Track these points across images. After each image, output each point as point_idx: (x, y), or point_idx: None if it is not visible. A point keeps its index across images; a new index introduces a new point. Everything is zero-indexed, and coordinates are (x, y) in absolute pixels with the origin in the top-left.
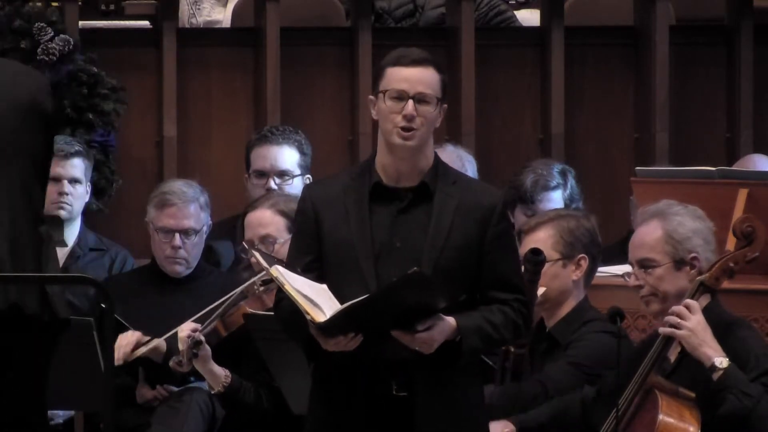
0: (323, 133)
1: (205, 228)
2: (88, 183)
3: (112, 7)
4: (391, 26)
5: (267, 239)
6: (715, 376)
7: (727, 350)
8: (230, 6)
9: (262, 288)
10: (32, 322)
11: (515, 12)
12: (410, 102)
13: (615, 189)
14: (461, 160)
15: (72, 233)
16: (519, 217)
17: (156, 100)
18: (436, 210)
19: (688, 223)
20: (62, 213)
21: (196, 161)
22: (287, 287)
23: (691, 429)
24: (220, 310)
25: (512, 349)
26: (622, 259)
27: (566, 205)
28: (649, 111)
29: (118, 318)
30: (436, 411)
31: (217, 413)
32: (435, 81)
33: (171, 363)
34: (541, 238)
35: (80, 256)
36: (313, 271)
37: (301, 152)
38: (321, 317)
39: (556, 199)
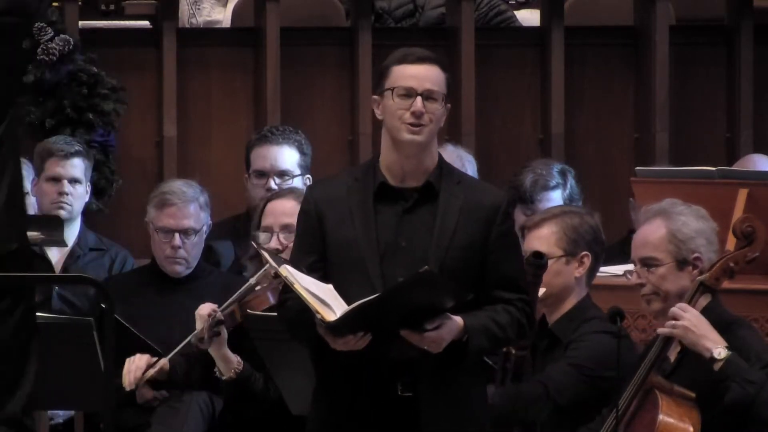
0: (323, 133)
1: (205, 228)
2: (88, 183)
3: (112, 7)
4: (391, 26)
5: (288, 228)
6: (716, 366)
7: (728, 349)
8: (230, 6)
9: (275, 280)
10: None
11: (515, 12)
12: (419, 99)
13: (615, 189)
14: (461, 160)
15: (72, 233)
16: (519, 217)
17: (156, 100)
18: (442, 210)
19: (692, 223)
20: (62, 213)
21: (196, 161)
22: (297, 286)
23: (691, 429)
24: (237, 294)
25: (513, 351)
26: (622, 259)
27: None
28: (649, 111)
29: (118, 318)
30: (442, 411)
31: (217, 413)
32: (441, 79)
33: (192, 339)
34: (545, 235)
35: (80, 256)
36: (317, 271)
37: (301, 152)
38: (331, 316)
39: (555, 199)
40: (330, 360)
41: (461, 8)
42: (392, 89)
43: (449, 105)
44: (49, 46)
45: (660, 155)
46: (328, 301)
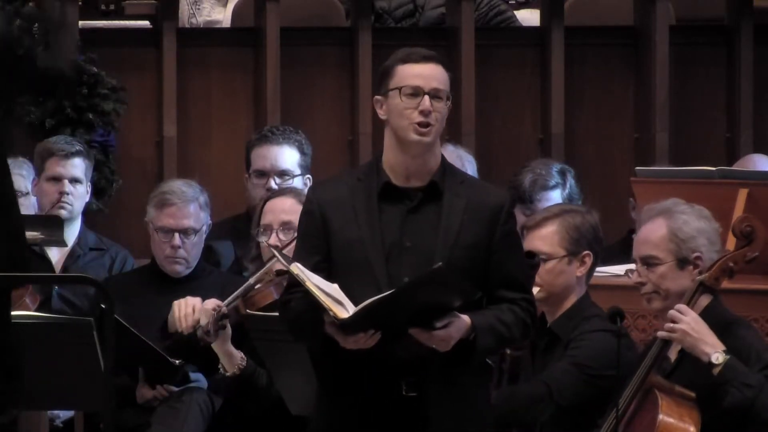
0: (323, 133)
1: (204, 228)
2: (89, 183)
3: (112, 7)
4: (391, 26)
5: (287, 226)
6: (715, 371)
7: (728, 349)
8: (230, 6)
9: (279, 278)
10: None
11: (515, 12)
12: (426, 97)
13: (615, 189)
14: (461, 160)
15: (72, 233)
16: (518, 217)
17: (156, 100)
18: (446, 209)
19: (694, 222)
20: (62, 213)
21: (196, 161)
22: (308, 284)
23: (691, 429)
24: (241, 289)
25: (508, 351)
26: (622, 259)
27: None
28: (649, 111)
29: (118, 318)
30: (449, 410)
31: (217, 413)
32: (445, 78)
33: (199, 333)
34: (547, 234)
35: (80, 256)
36: (322, 271)
37: (302, 152)
38: (344, 314)
39: (555, 199)
40: (335, 360)
41: (461, 8)
42: (399, 89)
43: (450, 104)
44: None
45: (660, 155)
46: (340, 300)
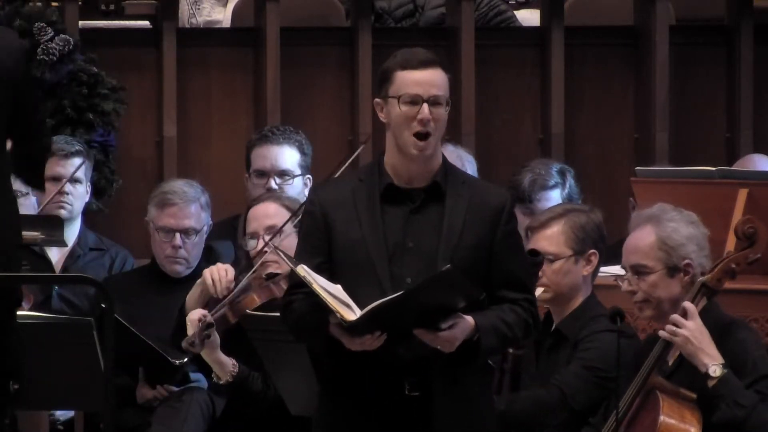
0: (323, 133)
1: (205, 228)
2: (88, 183)
3: (112, 7)
4: (391, 26)
5: (272, 229)
6: (710, 383)
7: (725, 352)
8: (230, 6)
9: (267, 282)
10: None
11: (515, 12)
12: (425, 106)
13: (615, 189)
14: (461, 160)
15: (72, 233)
16: (519, 217)
17: (156, 100)
18: (449, 210)
19: (683, 229)
20: (62, 213)
21: (196, 161)
22: (315, 286)
23: (693, 430)
24: (228, 297)
25: (510, 350)
26: (622, 259)
27: None
28: (649, 111)
29: (118, 318)
30: (453, 410)
31: (217, 413)
32: (444, 82)
33: (184, 344)
34: (553, 234)
35: (80, 256)
36: (324, 272)
37: (302, 152)
38: (351, 316)
39: (554, 198)
40: (338, 360)
41: (461, 8)
42: (398, 97)
43: (449, 106)
44: (49, 46)
45: (660, 155)
46: (346, 301)
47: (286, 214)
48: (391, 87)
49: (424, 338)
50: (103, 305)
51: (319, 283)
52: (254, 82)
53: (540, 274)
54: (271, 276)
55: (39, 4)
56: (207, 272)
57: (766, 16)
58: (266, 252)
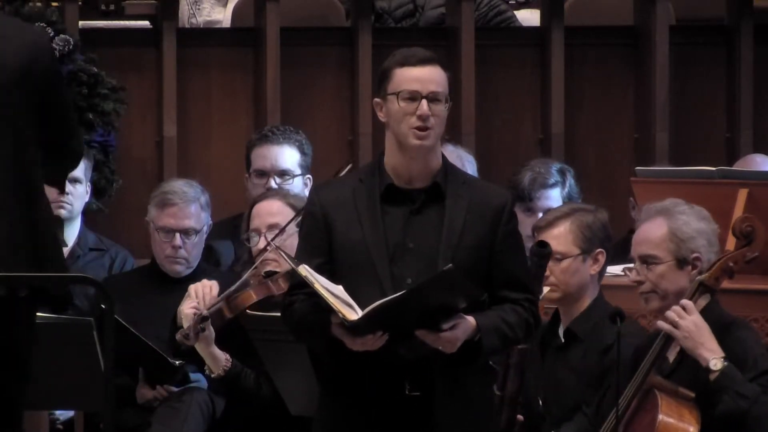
0: (323, 133)
1: (205, 228)
2: (88, 183)
3: (112, 7)
4: (391, 26)
5: (275, 227)
6: (712, 377)
7: (726, 351)
8: (230, 6)
9: (265, 279)
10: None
11: (515, 12)
12: (424, 102)
13: (615, 189)
14: (461, 160)
15: (72, 233)
16: (519, 217)
17: (156, 100)
18: (449, 210)
19: (693, 223)
20: (62, 213)
21: (196, 161)
22: (317, 286)
23: (691, 429)
24: (225, 293)
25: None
26: (622, 259)
27: None
28: (649, 111)
29: (118, 318)
30: (452, 409)
31: (217, 413)
32: (443, 79)
33: (178, 336)
34: (560, 234)
35: (80, 256)
36: (324, 273)
37: (302, 152)
38: (353, 316)
39: (554, 197)
40: (339, 360)
41: (461, 8)
42: (396, 93)
43: (450, 103)
44: None
45: (660, 155)
46: (347, 301)
47: (290, 212)
48: (390, 84)
49: (425, 339)
50: (103, 305)
51: (321, 283)
52: (254, 82)
53: (547, 273)
54: (270, 274)
55: (39, 4)
56: (192, 288)
57: (766, 16)
58: (267, 250)
